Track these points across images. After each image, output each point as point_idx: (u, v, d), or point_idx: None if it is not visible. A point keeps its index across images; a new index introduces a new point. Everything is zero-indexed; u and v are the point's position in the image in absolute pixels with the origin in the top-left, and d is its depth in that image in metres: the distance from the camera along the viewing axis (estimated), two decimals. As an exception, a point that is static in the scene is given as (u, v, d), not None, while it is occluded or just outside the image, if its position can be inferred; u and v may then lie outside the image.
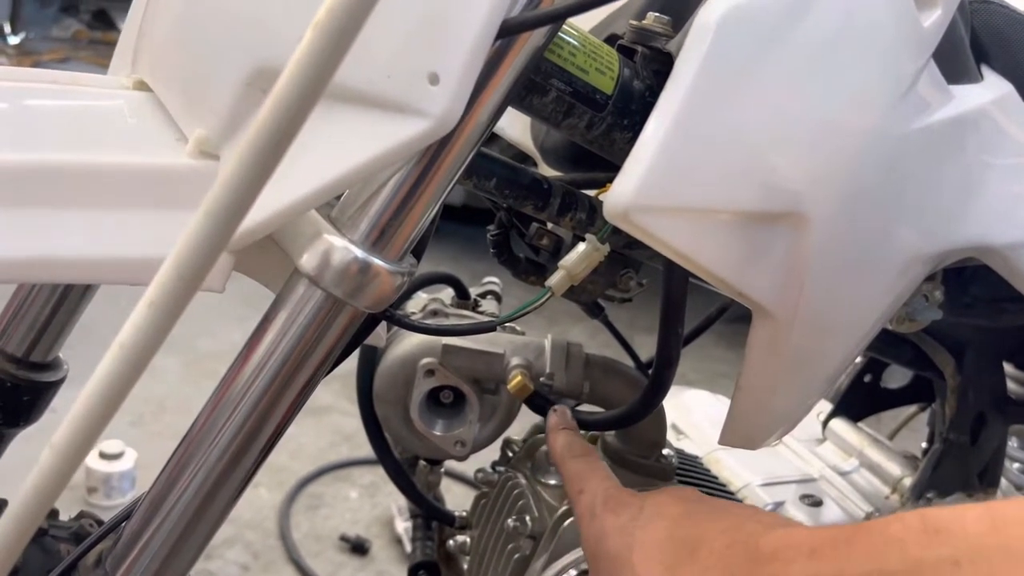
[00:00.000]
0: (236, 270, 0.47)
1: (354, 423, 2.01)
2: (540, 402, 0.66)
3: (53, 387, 0.61)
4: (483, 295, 0.84)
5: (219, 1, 0.43)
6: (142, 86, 0.47)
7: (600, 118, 0.53)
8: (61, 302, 0.59)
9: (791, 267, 0.47)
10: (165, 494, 0.46)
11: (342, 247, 0.42)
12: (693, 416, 0.94)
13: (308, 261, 0.42)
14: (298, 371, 0.45)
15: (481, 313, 0.80)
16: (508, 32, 0.40)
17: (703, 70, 0.40)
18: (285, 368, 0.44)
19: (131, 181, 0.41)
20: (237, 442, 0.45)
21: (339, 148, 0.41)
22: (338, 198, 0.44)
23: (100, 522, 0.60)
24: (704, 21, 0.41)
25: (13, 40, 4.02)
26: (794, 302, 0.49)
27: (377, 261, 0.43)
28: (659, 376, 0.58)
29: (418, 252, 0.51)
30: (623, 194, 0.40)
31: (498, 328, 0.69)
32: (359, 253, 0.42)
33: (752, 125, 0.42)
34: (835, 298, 0.51)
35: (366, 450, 1.92)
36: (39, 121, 0.43)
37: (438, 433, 0.69)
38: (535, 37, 0.42)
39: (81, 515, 0.59)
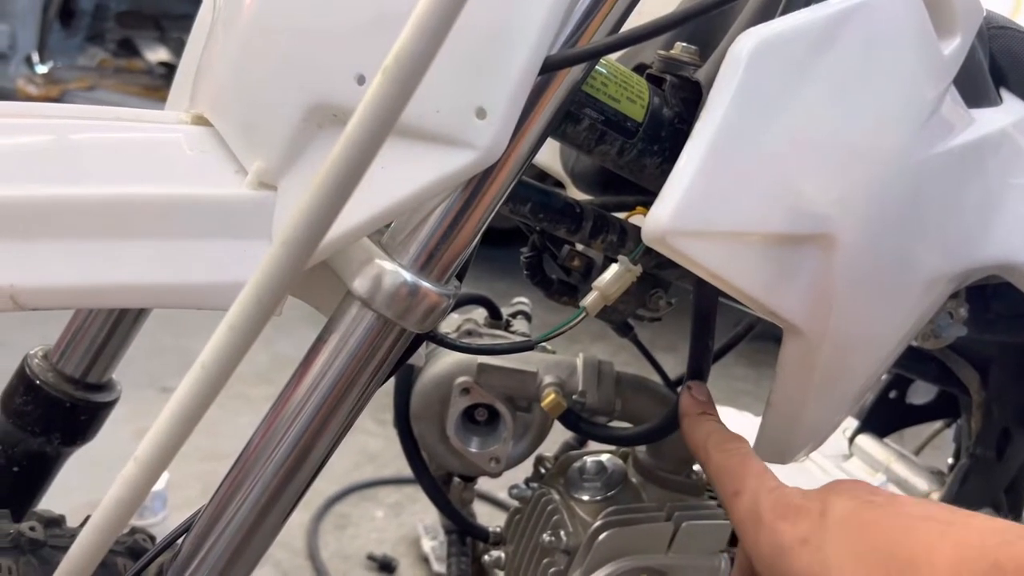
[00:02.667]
0: (296, 295, 0.49)
1: (379, 443, 2.03)
2: (573, 419, 0.68)
3: (108, 407, 0.63)
4: (514, 315, 0.86)
5: (275, 42, 0.46)
6: (201, 121, 0.50)
7: (631, 144, 0.55)
8: (116, 327, 0.62)
9: (820, 286, 0.49)
10: (223, 509, 0.48)
11: (393, 271, 0.44)
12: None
13: (360, 284, 0.45)
14: (350, 389, 0.47)
15: (513, 332, 0.82)
16: (550, 68, 0.42)
17: (735, 101, 0.42)
18: (338, 386, 0.46)
19: (195, 211, 0.43)
20: (291, 458, 0.47)
21: (392, 179, 0.43)
22: (388, 225, 0.46)
23: (152, 537, 0.63)
24: (736, 54, 0.43)
25: (41, 69, 4.11)
26: (824, 320, 0.51)
27: (425, 284, 0.45)
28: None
29: (460, 276, 0.53)
30: (660, 219, 0.42)
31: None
32: (408, 276, 0.44)
33: (782, 152, 0.44)
34: (863, 316, 0.52)
35: (390, 470, 1.95)
36: (107, 155, 0.46)
37: (474, 450, 0.71)
38: (574, 72, 0.45)
39: (134, 531, 0.62)
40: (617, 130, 0.55)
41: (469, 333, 0.77)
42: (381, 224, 0.44)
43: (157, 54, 4.53)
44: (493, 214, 0.47)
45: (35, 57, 4.14)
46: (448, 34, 0.30)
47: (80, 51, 4.54)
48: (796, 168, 0.45)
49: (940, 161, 0.52)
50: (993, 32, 0.64)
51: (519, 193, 0.60)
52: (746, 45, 0.43)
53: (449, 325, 0.79)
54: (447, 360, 0.70)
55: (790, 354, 0.53)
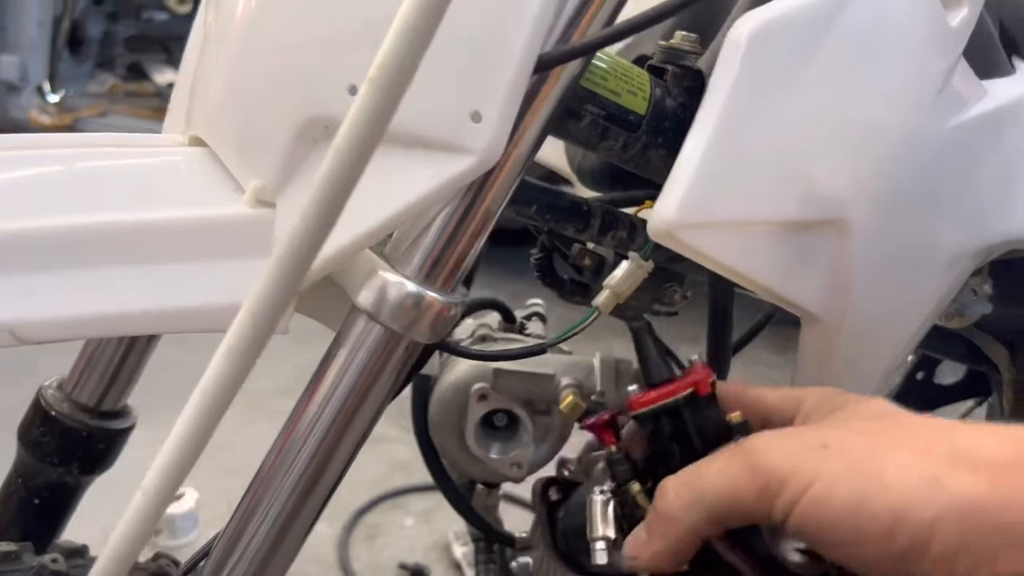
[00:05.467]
0: (302, 311, 0.48)
1: (406, 451, 2.03)
2: (593, 420, 0.67)
3: (124, 434, 0.63)
4: (528, 317, 0.85)
5: (265, 56, 0.45)
6: (197, 142, 0.49)
7: (635, 138, 0.54)
8: (128, 352, 0.62)
9: (836, 272, 0.48)
10: (242, 530, 0.47)
11: (397, 282, 0.44)
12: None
13: (365, 297, 0.44)
14: (362, 403, 0.46)
15: (528, 335, 0.81)
16: (544, 67, 0.41)
17: (736, 86, 0.41)
18: (349, 401, 0.46)
19: (194, 233, 0.43)
20: (307, 476, 0.47)
21: (390, 188, 0.42)
22: (390, 235, 0.46)
23: (176, 562, 0.62)
24: (735, 38, 0.42)
25: (53, 98, 4.14)
26: (842, 306, 0.49)
27: (431, 293, 0.44)
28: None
29: (467, 282, 0.52)
30: (666, 213, 0.41)
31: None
32: (413, 287, 0.44)
33: (789, 136, 0.43)
34: (882, 299, 0.51)
35: (419, 477, 1.95)
36: (105, 183, 0.45)
37: (494, 456, 0.70)
38: (570, 68, 0.44)
39: (158, 556, 0.61)
40: (620, 124, 0.54)
41: (483, 339, 0.76)
42: (382, 235, 0.44)
43: (165, 76, 4.56)
44: (497, 217, 0.47)
45: (46, 87, 4.17)
46: (431, 40, 0.29)
47: (90, 78, 4.57)
48: (804, 152, 0.44)
49: (954, 136, 0.51)
50: (1002, 0, 0.62)
51: (524, 194, 0.59)
52: (745, 29, 0.42)
53: (463, 331, 0.78)
54: (463, 367, 0.70)
55: (810, 342, 0.52)
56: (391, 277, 0.44)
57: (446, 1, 0.29)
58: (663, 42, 0.56)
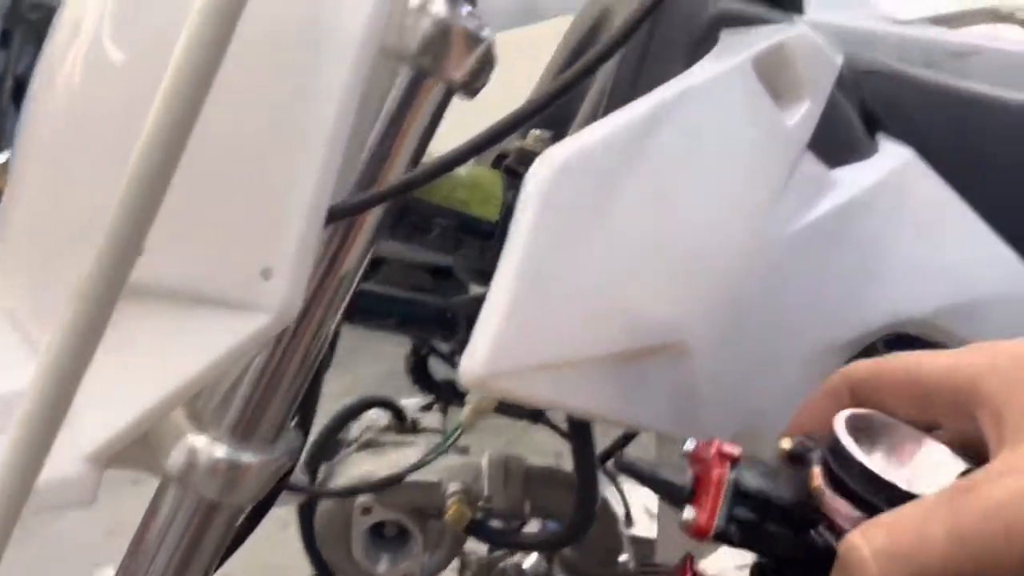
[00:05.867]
0: (117, 467, 0.45)
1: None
2: (481, 528, 0.64)
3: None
4: (429, 406, 0.83)
5: (56, 209, 0.42)
6: None
7: (490, 245, 0.52)
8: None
9: (682, 391, 0.46)
10: None
11: (205, 447, 0.41)
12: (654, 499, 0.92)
13: (174, 463, 0.41)
14: (184, 571, 0.43)
15: (423, 430, 0.78)
16: (336, 218, 0.39)
17: (537, 228, 0.39)
18: (170, 572, 0.43)
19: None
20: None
21: (188, 349, 0.40)
22: (200, 395, 0.43)
23: None
24: (531, 180, 0.40)
25: (-2, 161, 4.06)
26: (694, 420, 0.47)
27: (246, 456, 0.41)
28: (584, 498, 0.56)
29: (307, 422, 0.49)
30: (475, 363, 0.39)
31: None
32: (224, 452, 0.41)
33: (605, 269, 0.41)
34: (740, 406, 0.49)
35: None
36: None
37: (383, 570, 0.67)
38: (375, 211, 0.42)
39: None
40: (473, 234, 0.52)
41: (368, 444, 0.73)
42: (183, 399, 0.41)
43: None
44: (318, 360, 0.44)
45: (-10, 149, 4.09)
46: (162, 196, 0.27)
47: (38, 136, 4.49)
48: (625, 283, 0.42)
49: (801, 236, 0.49)
50: (861, 77, 0.61)
51: (380, 308, 0.57)
52: (543, 170, 0.40)
53: (352, 433, 0.76)
54: (342, 480, 0.67)
55: (669, 456, 0.49)
56: (199, 442, 0.41)
57: (170, 171, 0.27)
58: (518, 142, 0.54)
